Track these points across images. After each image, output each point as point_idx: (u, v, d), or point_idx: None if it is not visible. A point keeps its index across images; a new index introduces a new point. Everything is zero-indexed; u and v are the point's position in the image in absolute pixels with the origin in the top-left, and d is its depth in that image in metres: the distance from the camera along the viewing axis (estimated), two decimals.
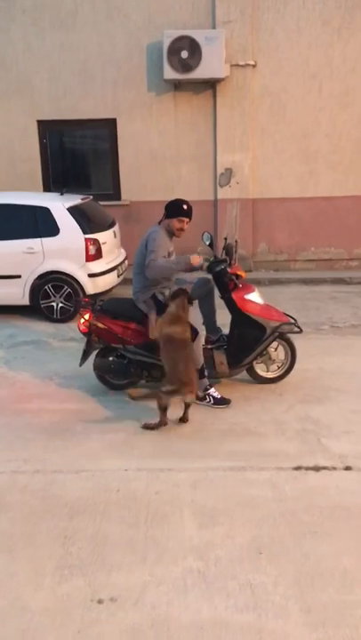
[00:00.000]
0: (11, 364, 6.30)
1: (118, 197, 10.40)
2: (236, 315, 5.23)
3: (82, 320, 5.20)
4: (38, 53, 9.95)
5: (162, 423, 4.61)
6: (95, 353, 5.33)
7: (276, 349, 5.47)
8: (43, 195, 8.56)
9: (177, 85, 9.88)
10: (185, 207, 5.04)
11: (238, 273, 5.19)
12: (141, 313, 5.13)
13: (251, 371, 5.46)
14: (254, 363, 5.39)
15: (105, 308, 5.23)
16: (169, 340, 4.70)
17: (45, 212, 7.72)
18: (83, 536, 3.33)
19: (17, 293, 7.82)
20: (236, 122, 9.99)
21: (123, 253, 8.88)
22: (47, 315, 7.82)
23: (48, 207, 7.73)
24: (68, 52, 9.93)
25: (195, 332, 4.96)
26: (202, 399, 5.11)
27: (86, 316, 5.18)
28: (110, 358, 5.32)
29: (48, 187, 10.47)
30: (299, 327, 5.38)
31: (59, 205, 7.75)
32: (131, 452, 4.30)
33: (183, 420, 4.72)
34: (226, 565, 3.07)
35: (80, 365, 5.32)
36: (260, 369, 5.50)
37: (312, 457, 4.16)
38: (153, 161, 10.28)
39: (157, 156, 10.27)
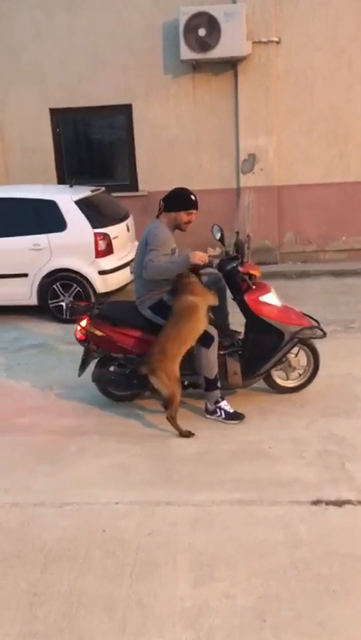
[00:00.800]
0: (12, 370, 5.84)
1: (135, 188, 9.85)
2: (250, 319, 4.64)
3: (78, 327, 4.68)
4: (48, 38, 9.43)
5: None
6: (95, 362, 4.82)
7: (296, 355, 4.86)
8: (50, 187, 8.07)
9: (195, 66, 9.25)
10: (193, 197, 4.46)
11: (251, 272, 4.58)
12: (145, 319, 4.59)
13: (268, 379, 4.87)
14: (272, 370, 4.80)
15: (103, 313, 4.69)
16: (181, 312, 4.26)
17: (52, 205, 7.22)
18: (55, 593, 2.81)
19: (24, 293, 7.36)
20: (260, 103, 9.31)
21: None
22: (56, 315, 7.35)
23: (55, 200, 7.23)
24: (79, 35, 9.38)
25: (210, 339, 4.40)
26: (212, 413, 4.56)
27: (83, 323, 4.66)
28: (111, 368, 4.80)
29: (62, 178, 9.98)
30: (322, 330, 4.76)
31: (66, 198, 7.24)
32: (126, 479, 3.77)
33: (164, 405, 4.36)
34: (222, 638, 2.51)
35: (79, 375, 4.82)
36: (279, 377, 4.91)
37: (334, 487, 3.56)
38: (171, 148, 9.69)
39: (176, 142, 9.67)
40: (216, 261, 4.74)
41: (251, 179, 9.55)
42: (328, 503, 3.40)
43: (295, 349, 4.80)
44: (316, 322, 4.80)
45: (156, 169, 9.76)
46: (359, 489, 3.53)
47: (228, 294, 4.83)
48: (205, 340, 4.42)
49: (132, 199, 9.50)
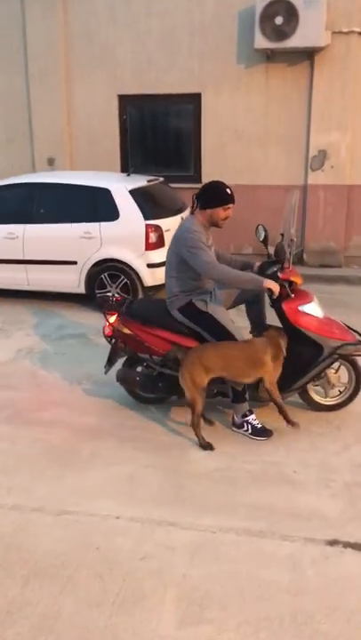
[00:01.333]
0: (48, 360, 5.73)
1: (199, 180, 9.53)
2: (287, 329, 4.29)
3: (107, 323, 4.48)
4: (123, 22, 9.26)
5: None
6: (123, 360, 4.61)
7: (336, 371, 4.48)
8: (106, 175, 7.90)
9: (269, 56, 8.84)
10: (229, 191, 4.15)
11: (292, 279, 4.23)
12: (174, 320, 4.34)
13: (304, 395, 4.52)
14: (309, 386, 4.44)
15: (134, 310, 4.47)
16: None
17: (106, 193, 7.05)
18: (29, 614, 2.62)
19: (73, 281, 7.25)
20: (335, 97, 8.80)
21: None
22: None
23: (109, 189, 7.06)
24: (155, 19, 9.15)
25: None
26: (239, 426, 4.27)
27: (112, 319, 4.46)
28: (138, 369, 4.58)
29: (126, 167, 9.81)
30: None
31: (121, 187, 7.05)
32: (133, 491, 3.55)
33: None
34: None
35: (105, 373, 4.63)
36: (316, 394, 4.54)
37: (356, 527, 3.20)
38: (238, 140, 9.33)
39: (243, 134, 9.31)
40: (258, 264, 4.43)
41: (320, 176, 9.09)
42: (346, 545, 3.06)
43: (335, 365, 4.42)
44: None
45: (222, 161, 9.43)
46: None
47: (267, 300, 4.48)
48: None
49: (194, 191, 9.20)
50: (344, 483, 3.63)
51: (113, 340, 4.51)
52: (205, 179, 9.41)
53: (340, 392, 4.54)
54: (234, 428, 4.30)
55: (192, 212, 4.23)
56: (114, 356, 4.57)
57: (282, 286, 4.17)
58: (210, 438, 4.11)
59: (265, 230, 4.41)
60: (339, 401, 4.52)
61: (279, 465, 3.84)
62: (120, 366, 4.58)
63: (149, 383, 4.43)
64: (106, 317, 4.48)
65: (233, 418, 4.31)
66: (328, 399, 4.54)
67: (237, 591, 2.74)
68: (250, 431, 4.22)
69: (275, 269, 4.24)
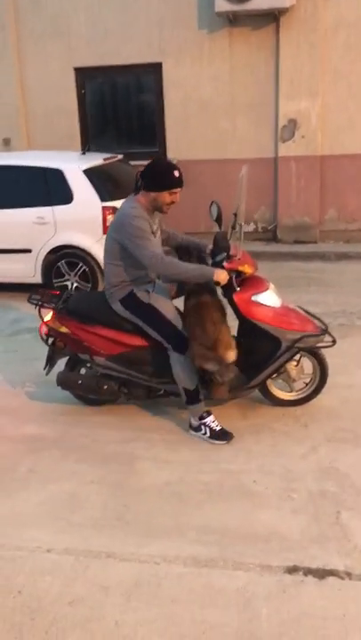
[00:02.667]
0: None
1: (164, 156, 9.03)
2: (241, 322, 3.86)
3: (42, 321, 4.04)
4: None
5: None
6: (66, 360, 4.19)
7: (298, 364, 4.07)
8: (58, 154, 7.38)
9: (232, 20, 8.28)
10: (177, 174, 3.65)
11: (240, 268, 3.75)
12: (116, 315, 3.89)
13: (264, 390, 4.11)
14: (268, 380, 4.03)
15: (71, 306, 4.01)
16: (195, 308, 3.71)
17: (58, 174, 6.56)
18: None
19: (28, 270, 6.78)
20: (303, 61, 8.28)
21: None
22: None
23: (61, 169, 6.56)
24: None
25: (184, 342, 3.70)
26: (196, 429, 3.87)
27: (47, 317, 4.01)
28: (82, 370, 4.15)
29: (87, 145, 9.25)
30: (332, 337, 3.92)
31: (73, 167, 6.56)
32: (70, 516, 3.13)
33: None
34: None
35: (46, 374, 4.20)
36: (278, 388, 4.14)
37: (320, 548, 2.81)
38: (203, 112, 8.80)
39: (209, 105, 8.77)
40: (210, 247, 3.97)
41: (291, 147, 8.60)
42: (307, 572, 2.67)
43: (296, 357, 4.01)
44: (325, 326, 3.96)
45: (187, 135, 8.93)
46: (351, 554, 2.77)
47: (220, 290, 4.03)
48: (179, 343, 3.70)
49: None
50: (308, 493, 3.23)
51: (50, 340, 4.07)
52: (171, 154, 8.95)
53: (306, 384, 4.13)
54: (191, 432, 3.89)
55: (135, 192, 3.74)
56: (54, 356, 4.13)
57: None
58: (166, 444, 3.71)
59: (218, 208, 3.92)
60: (303, 395, 4.12)
61: (238, 474, 3.44)
62: (60, 370, 4.14)
63: (93, 386, 4.00)
64: (40, 315, 4.03)
65: (190, 420, 3.91)
66: (292, 394, 4.14)
67: None
68: (208, 434, 3.81)
69: (220, 258, 3.78)
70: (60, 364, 4.19)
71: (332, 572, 2.66)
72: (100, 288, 6.58)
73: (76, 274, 6.66)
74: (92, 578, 2.68)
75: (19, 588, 2.63)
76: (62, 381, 4.05)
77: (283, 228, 8.86)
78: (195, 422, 3.86)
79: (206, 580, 2.64)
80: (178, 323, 3.74)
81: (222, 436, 3.80)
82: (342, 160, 8.61)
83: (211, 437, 3.80)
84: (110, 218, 6.45)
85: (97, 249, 6.49)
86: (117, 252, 3.75)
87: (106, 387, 3.94)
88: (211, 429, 3.81)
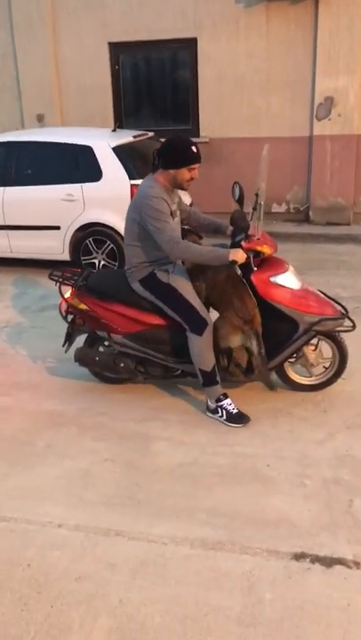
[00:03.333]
0: (22, 335, 5.36)
1: (197, 134, 8.93)
2: (259, 303, 3.82)
3: (62, 298, 4.08)
4: None
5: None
6: (86, 337, 4.21)
7: (316, 348, 4.01)
8: (88, 131, 7.34)
9: None
10: (194, 149, 3.59)
11: (258, 249, 3.69)
12: (135, 294, 3.89)
13: (281, 374, 4.07)
14: (286, 364, 3.99)
15: (90, 283, 4.02)
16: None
17: (87, 151, 6.54)
18: None
19: (56, 247, 6.81)
20: (343, 37, 8.03)
21: (186, 201, 7.52)
22: None
23: (91, 146, 6.54)
24: None
25: (202, 324, 3.67)
26: (213, 411, 3.86)
27: (67, 294, 4.04)
28: (100, 348, 4.18)
29: (120, 122, 9.21)
30: (352, 321, 3.86)
31: (103, 145, 6.52)
32: (83, 492, 3.17)
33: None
34: None
35: (65, 351, 4.23)
36: (295, 372, 4.09)
37: (329, 536, 2.79)
38: (238, 89, 8.64)
39: (244, 82, 8.61)
40: (231, 228, 3.91)
41: (327, 126, 8.40)
42: (314, 560, 2.65)
43: (314, 341, 3.96)
44: (345, 310, 3.90)
45: (221, 112, 8.79)
46: None
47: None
48: (197, 325, 3.68)
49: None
50: (322, 480, 3.20)
51: (70, 317, 4.10)
52: (203, 132, 8.85)
53: (326, 368, 4.07)
54: (208, 414, 3.89)
55: (153, 171, 3.71)
56: (73, 333, 4.17)
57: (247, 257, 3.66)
58: (184, 425, 3.73)
59: (240, 188, 3.86)
60: (322, 380, 4.07)
61: (252, 457, 3.42)
62: (79, 347, 4.18)
63: (110, 364, 4.02)
64: (60, 292, 4.06)
65: (207, 402, 3.90)
66: (311, 378, 4.09)
67: (179, 622, 2.36)
68: (225, 417, 3.80)
69: (239, 238, 3.73)
70: (79, 341, 4.21)
71: (339, 561, 2.63)
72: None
73: (103, 252, 6.67)
74: (100, 555, 2.71)
75: (28, 562, 2.68)
76: (80, 358, 4.08)
77: (315, 209, 8.70)
78: (212, 404, 3.85)
79: (212, 563, 2.65)
80: (197, 304, 3.71)
81: (239, 419, 3.78)
82: None
83: (227, 420, 3.78)
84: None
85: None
86: (137, 232, 3.73)
87: (123, 364, 3.95)
88: (228, 412, 3.79)
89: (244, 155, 8.62)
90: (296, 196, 8.87)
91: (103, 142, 6.55)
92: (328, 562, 2.63)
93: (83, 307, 3.95)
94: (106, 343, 4.12)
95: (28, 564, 2.67)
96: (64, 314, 4.11)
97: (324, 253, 7.65)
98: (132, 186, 6.39)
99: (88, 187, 6.52)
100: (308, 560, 2.65)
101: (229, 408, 3.80)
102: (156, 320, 3.84)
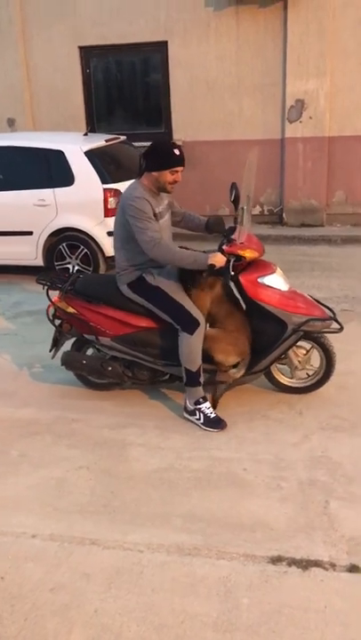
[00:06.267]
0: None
1: (170, 137, 8.93)
2: (247, 304, 3.84)
3: (50, 302, 4.06)
4: None
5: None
6: (73, 341, 4.19)
7: (307, 353, 4.03)
8: (60, 135, 7.30)
9: None
10: (177, 152, 3.62)
11: (239, 253, 3.70)
12: (123, 297, 3.88)
13: (270, 376, 4.08)
14: (273, 366, 4.00)
15: (78, 287, 4.00)
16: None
17: (59, 156, 6.50)
18: None
19: (29, 253, 6.75)
20: (312, 40, 8.10)
21: None
22: None
23: (62, 150, 6.49)
24: None
25: (193, 323, 3.68)
26: (191, 413, 3.84)
27: (55, 297, 4.03)
28: (88, 351, 4.15)
29: (92, 126, 9.18)
30: (338, 323, 3.89)
31: (75, 149, 6.48)
32: (57, 501, 3.13)
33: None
34: None
35: (52, 357, 4.19)
36: (282, 374, 4.10)
37: (306, 538, 2.79)
38: (210, 92, 8.67)
39: (215, 85, 8.63)
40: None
41: (298, 128, 8.46)
42: (290, 562, 2.64)
43: (307, 346, 3.99)
44: (333, 312, 3.93)
45: (193, 116, 8.81)
46: (337, 544, 2.74)
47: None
48: (189, 324, 3.68)
49: None
50: (298, 482, 3.20)
51: (58, 322, 4.07)
52: (177, 135, 8.85)
53: (309, 375, 4.09)
54: (185, 415, 3.87)
55: (139, 175, 3.72)
56: (60, 338, 4.13)
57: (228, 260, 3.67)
58: (161, 429, 3.71)
59: (236, 190, 3.87)
60: (307, 384, 4.09)
61: (228, 461, 3.41)
62: (66, 350, 4.15)
63: (97, 367, 3.99)
64: (48, 296, 4.03)
65: (185, 403, 3.88)
66: (294, 381, 4.10)
67: (155, 630, 2.33)
68: (202, 420, 3.79)
69: (221, 242, 3.75)
70: (66, 347, 4.19)
71: (316, 563, 2.63)
72: (102, 271, 6.55)
73: (77, 257, 6.62)
74: (75, 565, 2.67)
75: (1, 574, 2.63)
76: (67, 361, 4.05)
77: (289, 211, 8.75)
78: (190, 406, 3.83)
79: (189, 569, 2.63)
80: (186, 303, 3.71)
81: (215, 423, 3.77)
82: (351, 141, 8.46)
83: (204, 424, 3.77)
84: (112, 200, 6.40)
85: (98, 231, 6.45)
86: (124, 236, 3.75)
87: (110, 368, 3.93)
88: (205, 416, 3.78)
89: (218, 157, 8.65)
90: (270, 198, 8.91)
91: (75, 147, 6.51)
92: (305, 564, 2.63)
93: (71, 310, 3.93)
94: (95, 347, 4.09)
95: (2, 577, 2.62)
96: (51, 318, 4.07)
97: (298, 255, 7.69)
98: (104, 190, 6.37)
99: (60, 191, 6.47)
100: (284, 563, 2.64)
101: (207, 412, 3.79)
102: (144, 322, 3.84)
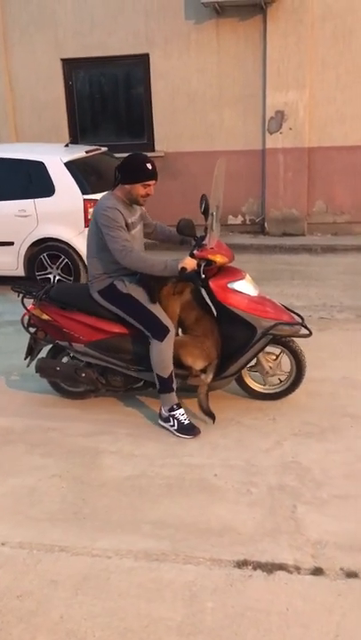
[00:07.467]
0: None
1: (152, 148, 9.01)
2: (218, 309, 3.90)
3: (25, 310, 4.11)
4: None
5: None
6: (48, 349, 4.22)
7: (277, 358, 4.09)
8: (41, 146, 7.35)
9: (219, 11, 8.21)
10: (150, 167, 3.69)
11: (210, 257, 3.77)
12: (96, 304, 3.94)
13: (241, 382, 4.13)
14: (244, 372, 4.06)
15: (53, 294, 4.05)
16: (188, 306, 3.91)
17: (39, 167, 6.54)
18: None
19: (10, 263, 6.78)
20: (291, 52, 8.22)
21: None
22: None
23: (43, 161, 6.54)
24: None
25: (163, 330, 3.74)
26: (165, 420, 3.88)
27: (30, 305, 4.07)
28: (64, 359, 4.18)
29: (75, 137, 9.24)
30: (307, 328, 3.95)
31: (55, 160, 6.54)
32: (29, 509, 3.15)
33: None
34: None
35: (27, 365, 4.22)
36: (253, 380, 4.15)
37: (272, 542, 2.83)
38: (191, 103, 8.76)
39: (197, 97, 8.73)
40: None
41: (278, 139, 8.56)
42: (256, 566, 2.68)
43: (276, 351, 4.05)
44: (301, 318, 4.00)
45: (175, 127, 8.90)
46: (303, 547, 2.78)
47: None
48: (159, 331, 3.73)
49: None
50: (268, 487, 3.24)
51: (33, 329, 4.12)
52: (158, 147, 8.92)
53: (281, 381, 4.15)
54: (160, 422, 3.91)
55: (114, 186, 3.79)
56: (34, 346, 4.17)
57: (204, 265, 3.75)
58: (135, 437, 3.75)
59: (206, 201, 3.95)
60: (279, 390, 4.13)
61: (200, 468, 3.45)
62: (40, 358, 4.19)
63: (71, 374, 4.03)
64: (23, 303, 4.08)
65: (160, 411, 3.92)
66: (266, 387, 4.15)
67: (120, 635, 2.36)
68: (176, 427, 3.83)
69: (193, 248, 3.83)
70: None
71: (281, 567, 2.67)
72: (83, 281, 6.59)
73: (58, 267, 6.66)
74: (43, 572, 2.70)
75: None
76: (41, 368, 4.08)
77: (270, 221, 8.84)
78: (165, 413, 3.87)
79: (156, 575, 2.66)
80: (157, 310, 3.77)
81: (189, 430, 3.80)
82: (330, 152, 8.57)
83: (178, 430, 3.81)
84: (92, 210, 6.44)
85: (79, 242, 6.49)
86: (96, 244, 3.83)
87: (84, 374, 3.97)
88: (179, 422, 3.81)
89: (199, 168, 8.71)
90: (251, 208, 9.00)
91: (55, 157, 6.56)
92: (269, 568, 2.66)
93: (45, 317, 3.98)
94: (70, 355, 4.13)
95: None
96: (26, 325, 4.11)
97: (279, 264, 7.77)
98: (85, 200, 6.42)
99: (41, 202, 6.52)
100: (250, 567, 2.68)
101: (181, 418, 3.82)
102: (117, 328, 3.90)
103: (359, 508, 3.03)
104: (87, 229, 6.32)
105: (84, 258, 6.49)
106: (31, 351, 4.22)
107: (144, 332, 3.78)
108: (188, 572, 2.66)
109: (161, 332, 3.73)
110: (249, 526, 2.94)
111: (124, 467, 3.49)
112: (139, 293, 3.82)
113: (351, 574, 2.60)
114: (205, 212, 3.94)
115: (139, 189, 3.71)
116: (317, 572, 2.63)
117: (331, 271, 7.36)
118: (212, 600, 2.50)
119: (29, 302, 4.14)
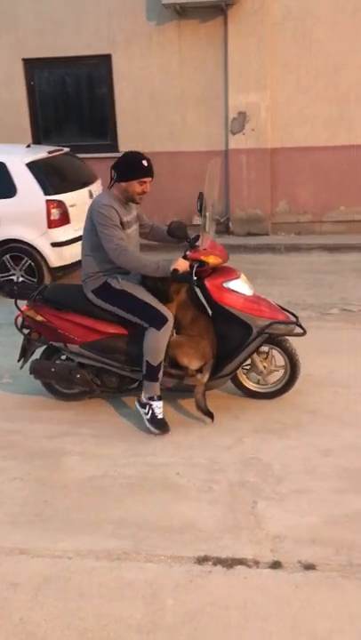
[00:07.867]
0: None
1: (116, 148, 8.99)
2: (213, 308, 3.94)
3: (19, 311, 4.10)
4: None
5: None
6: (42, 350, 4.20)
7: (267, 357, 4.14)
8: (2, 147, 7.25)
9: (180, 12, 8.24)
10: (145, 164, 3.72)
11: (202, 258, 3.80)
12: (91, 304, 3.93)
13: (236, 381, 4.18)
14: (240, 372, 4.12)
15: (46, 295, 4.04)
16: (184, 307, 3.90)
17: (1, 168, 6.48)
18: None
19: None
20: (252, 54, 8.30)
21: None
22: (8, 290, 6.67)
23: (4, 162, 6.49)
24: None
25: (161, 319, 3.74)
26: (142, 405, 3.87)
27: (23, 306, 4.06)
28: (59, 360, 4.17)
29: (38, 138, 9.19)
30: (301, 327, 4.01)
31: (16, 160, 6.49)
32: None
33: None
34: None
35: (20, 367, 4.17)
36: (248, 380, 4.20)
37: (232, 538, 2.86)
38: (154, 104, 8.78)
39: (159, 98, 8.75)
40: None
41: (241, 140, 8.64)
42: (216, 562, 2.71)
43: (265, 349, 4.12)
44: (295, 317, 4.05)
45: (138, 127, 8.90)
46: (262, 542, 2.82)
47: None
48: (157, 320, 3.75)
49: (111, 161, 8.64)
50: (228, 483, 3.28)
51: (27, 331, 4.09)
52: (123, 147, 8.91)
53: (277, 380, 4.19)
54: (136, 405, 3.91)
55: (110, 185, 3.79)
56: (29, 346, 4.14)
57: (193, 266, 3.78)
58: (95, 438, 3.77)
59: (202, 200, 3.95)
60: (273, 389, 4.18)
61: (163, 467, 3.47)
62: (35, 359, 4.17)
63: (66, 374, 4.01)
64: (17, 305, 4.06)
65: (141, 396, 3.90)
66: (261, 386, 4.20)
67: (79, 635, 2.36)
68: (149, 416, 3.82)
69: (186, 249, 3.87)
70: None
71: (240, 561, 2.70)
72: (47, 281, 6.55)
73: (21, 268, 6.61)
74: (3, 575, 2.68)
75: None
76: (36, 369, 4.06)
77: (235, 221, 8.91)
78: (144, 399, 3.86)
79: (117, 574, 2.67)
80: (153, 301, 3.78)
81: (159, 425, 3.80)
82: (292, 153, 8.68)
83: (149, 421, 3.81)
84: (55, 211, 6.43)
85: (41, 243, 6.46)
86: (91, 242, 3.83)
87: (79, 375, 3.96)
88: (153, 413, 3.80)
89: (164, 169, 8.67)
90: (217, 207, 9.03)
91: (17, 158, 6.51)
92: (229, 563, 2.70)
93: (39, 318, 3.96)
94: (63, 357, 4.11)
95: None
96: (20, 327, 4.07)
97: (243, 263, 7.75)
98: (47, 201, 6.39)
99: (3, 203, 6.46)
100: (210, 563, 2.71)
101: (157, 411, 3.82)
102: (111, 329, 3.89)
103: (318, 502, 3.09)
104: (50, 230, 6.43)
105: (48, 259, 6.51)
106: (25, 352, 4.19)
107: (143, 324, 3.76)
108: (148, 570, 2.68)
109: (160, 321, 3.73)
110: (210, 523, 2.97)
111: (87, 467, 3.49)
112: (133, 288, 3.84)
113: (309, 566, 2.64)
114: (201, 211, 3.96)
115: (135, 187, 3.72)
116: (276, 565, 2.67)
117: (294, 270, 7.45)
118: (173, 597, 2.52)
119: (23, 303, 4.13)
